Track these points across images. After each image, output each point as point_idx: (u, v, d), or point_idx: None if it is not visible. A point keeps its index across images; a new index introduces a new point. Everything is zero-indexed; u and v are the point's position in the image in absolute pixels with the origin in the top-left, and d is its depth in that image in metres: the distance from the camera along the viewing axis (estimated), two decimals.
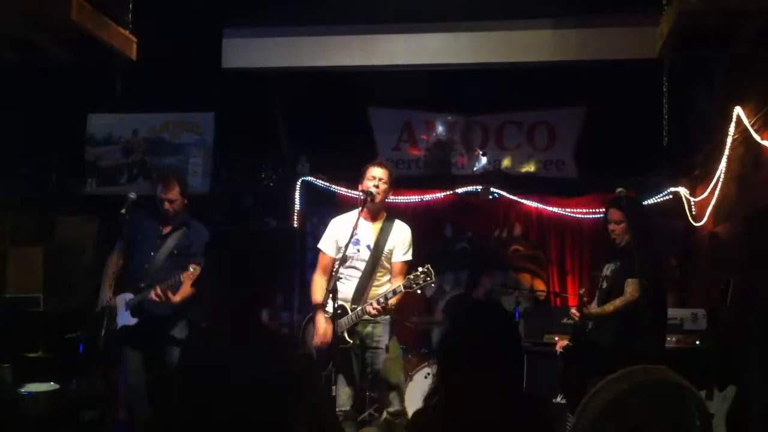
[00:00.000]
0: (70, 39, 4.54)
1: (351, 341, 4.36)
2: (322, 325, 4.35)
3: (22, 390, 4.89)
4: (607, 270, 4.79)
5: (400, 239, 4.56)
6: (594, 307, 4.65)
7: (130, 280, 4.92)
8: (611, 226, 4.72)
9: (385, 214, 4.63)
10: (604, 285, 4.77)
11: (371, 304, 4.30)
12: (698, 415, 2.82)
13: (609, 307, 4.51)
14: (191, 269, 4.70)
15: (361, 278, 4.48)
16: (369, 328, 4.44)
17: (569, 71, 6.71)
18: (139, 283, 4.84)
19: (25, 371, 5.34)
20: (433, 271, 4.20)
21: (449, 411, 2.37)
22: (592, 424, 2.63)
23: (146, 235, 4.98)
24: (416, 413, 2.64)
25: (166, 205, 4.93)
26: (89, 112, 8.01)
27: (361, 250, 4.50)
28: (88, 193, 7.95)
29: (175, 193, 4.95)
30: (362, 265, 4.50)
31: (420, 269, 4.22)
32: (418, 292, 4.36)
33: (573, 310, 4.72)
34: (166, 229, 4.99)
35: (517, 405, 2.35)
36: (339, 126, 7.48)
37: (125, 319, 4.83)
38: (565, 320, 4.94)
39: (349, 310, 4.36)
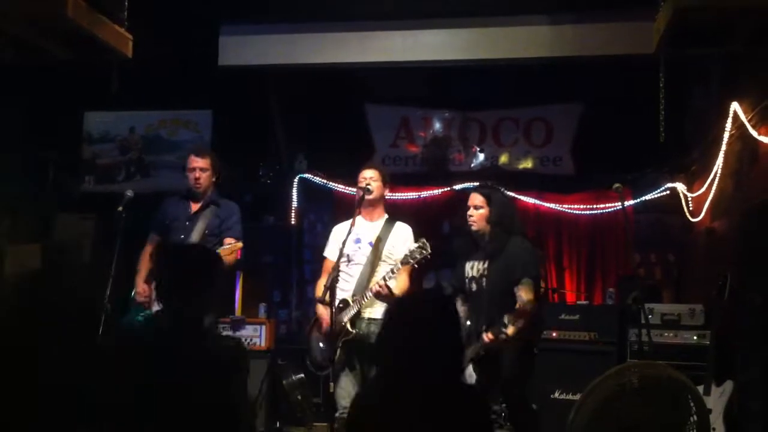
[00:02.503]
0: (66, 37, 4.56)
1: (354, 331, 4.36)
2: (323, 313, 4.39)
3: None
4: (473, 270, 4.39)
5: (402, 238, 4.58)
6: (511, 328, 3.93)
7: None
8: (470, 212, 4.36)
9: (384, 215, 4.66)
10: (474, 287, 4.36)
11: (372, 289, 4.32)
12: (696, 411, 2.83)
13: (519, 322, 3.96)
14: (226, 245, 4.63)
15: (362, 272, 4.50)
16: (373, 328, 4.38)
17: (566, 67, 6.71)
18: None
19: None
20: (428, 244, 4.23)
21: (385, 399, 2.39)
22: (588, 421, 2.64)
23: (175, 220, 4.85)
24: (355, 399, 2.68)
25: (197, 173, 4.75)
26: (86, 110, 8.00)
27: (362, 247, 4.53)
28: (85, 191, 7.94)
29: (206, 163, 4.77)
30: (364, 260, 4.52)
31: (416, 244, 4.26)
32: (416, 266, 4.35)
33: (489, 336, 4.02)
34: (195, 207, 4.83)
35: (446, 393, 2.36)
36: (336, 123, 7.48)
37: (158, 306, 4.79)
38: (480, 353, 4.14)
39: (351, 302, 4.39)
